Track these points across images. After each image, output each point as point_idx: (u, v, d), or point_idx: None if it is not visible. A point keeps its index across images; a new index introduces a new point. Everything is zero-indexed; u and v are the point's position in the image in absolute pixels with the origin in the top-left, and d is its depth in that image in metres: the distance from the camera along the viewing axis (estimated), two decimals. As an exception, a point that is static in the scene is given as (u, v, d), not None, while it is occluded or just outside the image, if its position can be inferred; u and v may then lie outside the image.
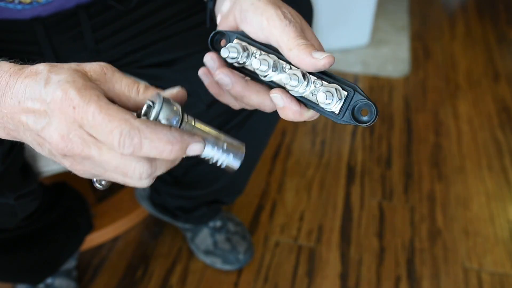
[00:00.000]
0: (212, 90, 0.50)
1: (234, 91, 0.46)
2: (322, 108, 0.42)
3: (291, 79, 0.42)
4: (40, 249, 0.88)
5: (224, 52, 0.45)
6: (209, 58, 0.48)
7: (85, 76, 0.36)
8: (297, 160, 1.32)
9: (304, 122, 1.44)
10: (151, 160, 0.36)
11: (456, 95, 1.56)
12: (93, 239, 1.09)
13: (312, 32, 0.47)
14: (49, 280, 0.99)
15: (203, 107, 0.73)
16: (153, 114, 0.35)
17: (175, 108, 0.36)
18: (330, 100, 0.41)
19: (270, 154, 1.33)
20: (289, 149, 1.36)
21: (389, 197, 1.22)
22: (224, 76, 0.46)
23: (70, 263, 1.02)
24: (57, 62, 0.75)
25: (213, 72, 0.47)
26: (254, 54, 0.45)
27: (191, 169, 0.93)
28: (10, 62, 0.38)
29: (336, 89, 0.41)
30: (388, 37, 1.84)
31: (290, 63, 0.44)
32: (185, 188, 0.97)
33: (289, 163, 1.31)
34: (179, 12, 0.73)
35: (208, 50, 0.49)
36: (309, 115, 0.43)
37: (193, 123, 0.38)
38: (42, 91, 0.35)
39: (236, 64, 0.46)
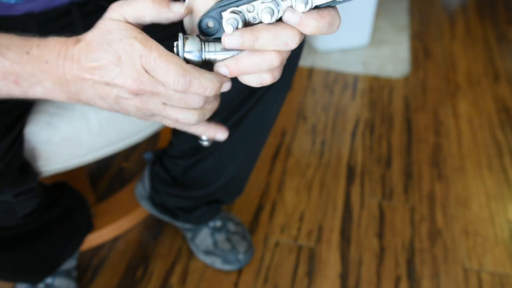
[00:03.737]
0: None
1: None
2: None
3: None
4: (40, 249, 0.88)
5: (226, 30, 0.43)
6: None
7: (132, 25, 0.44)
8: (297, 160, 1.32)
9: (304, 122, 1.44)
10: (202, 98, 0.45)
11: (456, 95, 1.56)
12: (93, 239, 1.09)
13: None
14: (49, 280, 0.99)
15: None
16: (180, 51, 0.43)
17: (197, 40, 0.44)
18: None
19: (270, 154, 1.34)
20: (289, 149, 1.36)
21: (389, 197, 1.22)
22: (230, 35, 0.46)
23: (70, 263, 1.02)
24: None
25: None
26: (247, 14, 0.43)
27: (190, 169, 0.93)
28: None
29: None
30: (388, 37, 1.84)
31: None
32: (185, 188, 0.97)
33: (289, 163, 1.31)
34: None
35: None
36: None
37: (214, 47, 0.44)
38: (108, 49, 0.42)
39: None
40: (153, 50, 0.42)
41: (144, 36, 0.43)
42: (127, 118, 0.77)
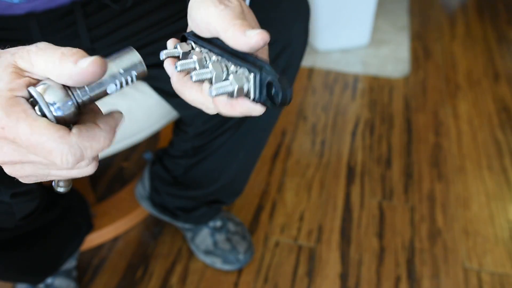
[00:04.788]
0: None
1: (172, 82, 0.45)
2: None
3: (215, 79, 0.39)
4: (40, 249, 0.88)
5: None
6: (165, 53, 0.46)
7: (13, 74, 0.34)
8: (297, 160, 1.32)
9: (304, 122, 1.44)
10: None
11: (456, 95, 1.56)
12: (93, 239, 1.09)
13: (252, 15, 0.44)
14: (49, 280, 0.99)
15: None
16: (45, 110, 0.34)
17: (58, 87, 0.34)
18: (246, 88, 0.37)
19: (270, 154, 1.33)
20: (289, 149, 1.36)
21: (389, 197, 1.22)
22: (167, 65, 0.45)
23: (70, 263, 1.02)
24: None
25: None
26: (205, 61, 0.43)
27: (190, 169, 0.93)
28: None
29: (244, 74, 0.38)
30: (388, 37, 1.84)
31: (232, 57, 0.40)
32: (185, 188, 0.97)
33: (289, 163, 1.31)
34: (175, 13, 0.73)
35: None
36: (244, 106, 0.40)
37: (84, 88, 0.35)
38: None
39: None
40: (20, 121, 0.33)
41: (10, 97, 0.33)
42: (127, 117, 0.77)
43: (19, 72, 0.35)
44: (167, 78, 0.78)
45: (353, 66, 1.69)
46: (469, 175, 1.28)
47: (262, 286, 1.03)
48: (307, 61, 1.69)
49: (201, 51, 0.43)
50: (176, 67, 0.41)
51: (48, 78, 0.35)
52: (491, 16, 1.95)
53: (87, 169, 0.37)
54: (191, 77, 0.39)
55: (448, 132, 1.41)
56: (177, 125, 0.93)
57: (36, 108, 0.34)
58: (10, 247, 0.80)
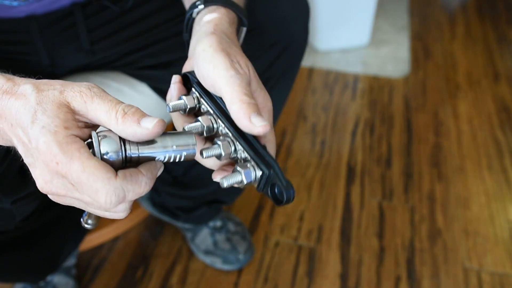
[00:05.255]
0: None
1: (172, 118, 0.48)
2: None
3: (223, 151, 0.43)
4: (40, 248, 0.88)
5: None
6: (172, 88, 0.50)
7: (68, 114, 0.37)
8: (297, 160, 1.32)
9: (304, 122, 1.44)
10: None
11: (456, 95, 1.56)
12: (93, 239, 1.09)
13: (257, 83, 0.46)
14: (48, 278, 0.99)
15: None
16: (96, 154, 0.37)
17: (115, 139, 0.38)
18: (250, 179, 0.41)
19: (270, 154, 1.33)
20: (289, 149, 1.36)
21: (389, 197, 1.22)
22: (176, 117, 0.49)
23: (70, 261, 1.02)
24: (51, 63, 0.74)
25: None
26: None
27: (191, 169, 0.93)
28: (1, 74, 0.40)
29: (253, 166, 0.41)
30: (388, 37, 1.84)
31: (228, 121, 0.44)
32: (185, 188, 0.97)
33: (289, 163, 1.31)
34: (175, 16, 0.73)
35: None
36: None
37: (136, 146, 0.39)
38: (29, 128, 0.36)
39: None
40: (74, 159, 0.35)
41: (67, 136, 0.36)
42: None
43: (73, 112, 0.37)
44: (167, 79, 0.78)
45: (353, 66, 1.69)
46: (469, 175, 1.28)
47: (262, 286, 1.03)
48: (307, 61, 1.69)
49: (207, 111, 0.46)
50: (183, 128, 0.44)
51: (109, 130, 0.38)
52: (491, 16, 1.95)
53: (121, 214, 0.39)
54: (201, 154, 0.42)
55: (448, 132, 1.41)
56: (176, 125, 0.93)
57: (90, 150, 0.37)
58: (10, 249, 0.80)
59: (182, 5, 0.70)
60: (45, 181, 0.37)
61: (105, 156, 0.37)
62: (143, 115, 0.38)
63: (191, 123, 0.45)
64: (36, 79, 0.40)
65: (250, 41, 0.56)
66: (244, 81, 0.43)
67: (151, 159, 0.40)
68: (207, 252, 1.06)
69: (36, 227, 0.86)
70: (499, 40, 1.81)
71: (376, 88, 1.59)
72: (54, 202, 0.93)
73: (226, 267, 1.05)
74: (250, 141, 0.42)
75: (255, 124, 0.40)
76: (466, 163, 1.31)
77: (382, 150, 1.36)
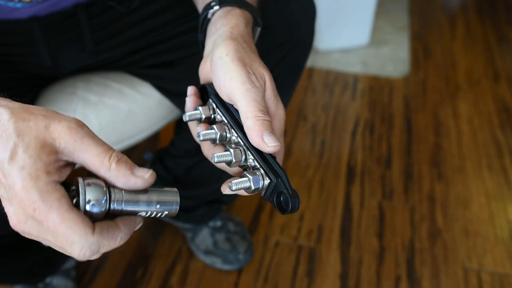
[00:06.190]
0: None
1: (202, 150, 0.49)
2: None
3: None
4: (39, 251, 0.88)
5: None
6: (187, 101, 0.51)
7: (51, 156, 0.35)
8: (297, 160, 1.32)
9: (304, 122, 1.44)
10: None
11: (456, 95, 1.56)
12: (93, 239, 1.09)
13: (272, 90, 0.46)
14: (47, 279, 0.99)
15: None
16: (81, 204, 0.36)
17: (101, 189, 0.36)
18: (258, 185, 0.42)
19: (270, 154, 1.33)
20: (289, 149, 1.36)
21: (389, 197, 1.22)
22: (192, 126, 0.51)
23: (69, 263, 1.02)
24: (53, 64, 0.74)
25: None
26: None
27: (191, 169, 0.93)
28: None
29: (262, 174, 0.43)
30: (388, 37, 1.84)
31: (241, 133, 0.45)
32: (185, 188, 0.97)
33: (289, 163, 1.31)
34: (179, 16, 0.72)
35: None
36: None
37: (121, 196, 0.37)
38: (6, 163, 0.34)
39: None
40: (53, 209, 0.34)
41: (48, 183, 0.34)
42: (127, 119, 0.77)
43: (56, 152, 0.35)
44: (170, 78, 0.78)
45: (353, 66, 1.69)
46: (469, 175, 1.28)
47: (262, 286, 1.03)
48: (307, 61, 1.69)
49: (221, 121, 0.48)
50: (198, 135, 0.46)
51: (96, 177, 0.37)
52: (491, 16, 1.95)
53: (89, 258, 0.38)
54: (213, 158, 0.44)
55: (448, 132, 1.41)
56: (179, 125, 0.93)
57: (74, 200, 0.36)
58: (8, 252, 0.80)
59: (187, 5, 0.70)
60: (19, 221, 0.35)
61: (88, 209, 0.36)
62: (134, 164, 0.37)
63: (206, 130, 0.46)
64: (13, 100, 0.37)
65: (257, 41, 0.56)
66: (259, 95, 0.44)
67: (133, 213, 0.39)
68: (207, 252, 1.06)
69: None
70: (499, 40, 1.81)
71: (376, 88, 1.59)
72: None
73: (226, 267, 1.05)
74: (260, 151, 0.44)
75: (267, 143, 0.42)
76: (466, 163, 1.31)
77: (382, 150, 1.36)
